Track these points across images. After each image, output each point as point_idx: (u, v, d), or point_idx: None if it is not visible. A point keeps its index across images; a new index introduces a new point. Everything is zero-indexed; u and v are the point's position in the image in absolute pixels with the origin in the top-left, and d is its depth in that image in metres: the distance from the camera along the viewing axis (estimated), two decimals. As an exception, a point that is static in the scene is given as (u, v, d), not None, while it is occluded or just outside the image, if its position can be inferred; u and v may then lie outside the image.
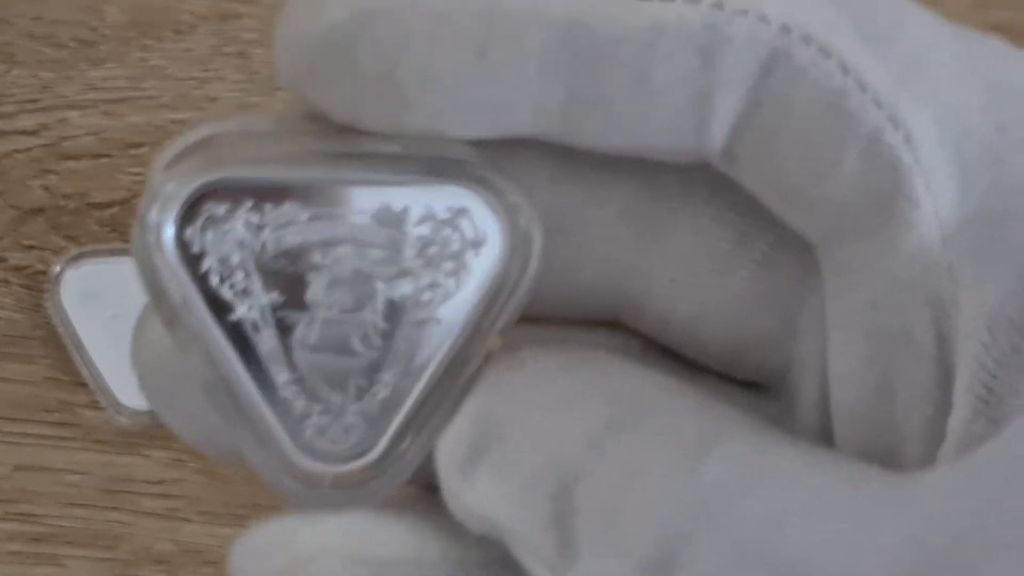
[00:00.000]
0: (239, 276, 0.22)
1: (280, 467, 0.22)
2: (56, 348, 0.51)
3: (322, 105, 0.22)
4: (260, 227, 0.22)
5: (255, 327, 0.22)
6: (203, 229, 0.22)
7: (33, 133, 0.52)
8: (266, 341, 0.22)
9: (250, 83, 0.52)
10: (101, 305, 0.51)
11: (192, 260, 0.22)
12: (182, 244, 0.22)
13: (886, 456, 0.22)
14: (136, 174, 0.52)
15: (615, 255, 0.23)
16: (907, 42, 0.21)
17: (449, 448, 0.22)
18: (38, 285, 0.51)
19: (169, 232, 0.22)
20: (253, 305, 0.22)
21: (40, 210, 0.52)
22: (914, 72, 0.21)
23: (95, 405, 0.51)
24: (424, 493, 0.24)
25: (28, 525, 0.51)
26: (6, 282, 0.52)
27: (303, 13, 0.21)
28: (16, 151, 0.52)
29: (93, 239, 0.52)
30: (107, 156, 0.52)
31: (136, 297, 0.50)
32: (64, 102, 0.52)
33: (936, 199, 0.21)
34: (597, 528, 0.20)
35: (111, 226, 0.52)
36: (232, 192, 0.22)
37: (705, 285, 0.23)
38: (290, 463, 0.22)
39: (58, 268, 0.51)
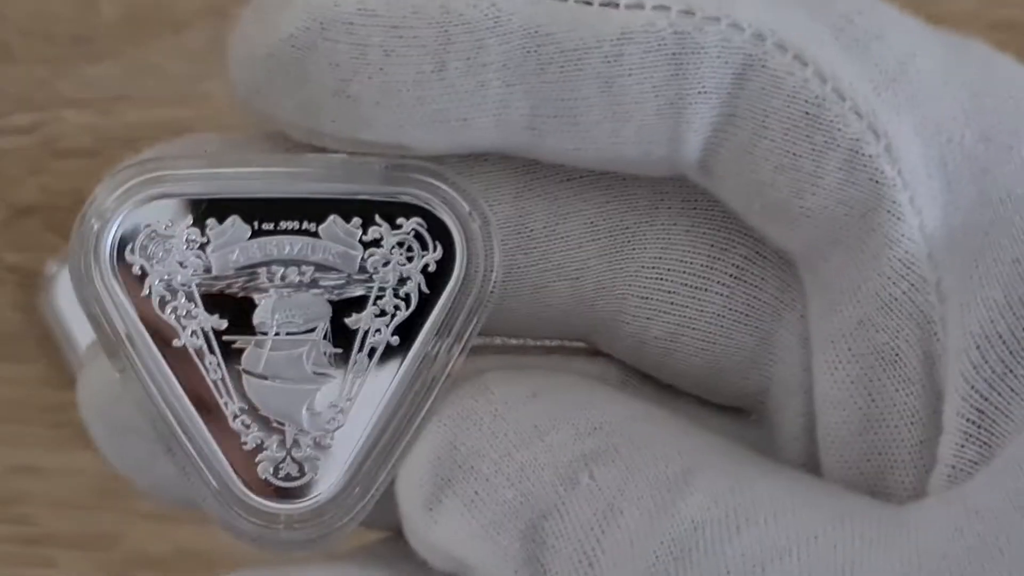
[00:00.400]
0: (181, 299, 0.21)
1: (234, 509, 0.21)
2: (50, 348, 0.51)
3: (276, 121, 0.21)
4: (203, 245, 0.21)
5: (200, 353, 0.21)
6: (143, 247, 0.21)
7: (28, 131, 0.52)
8: (212, 368, 0.21)
9: (247, 80, 0.51)
10: (96, 305, 0.51)
11: (133, 282, 0.21)
12: (123, 265, 0.21)
13: (874, 482, 0.21)
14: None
15: (584, 272, 0.22)
16: (888, 49, 0.20)
17: (410, 482, 0.21)
18: (33, 284, 0.51)
19: (108, 252, 0.21)
20: (196, 330, 0.21)
21: (35, 209, 0.51)
22: (895, 81, 0.20)
23: (90, 405, 0.51)
24: (393, 539, 0.22)
25: (22, 526, 0.51)
26: (0, 281, 0.52)
27: (256, 26, 0.20)
28: (10, 149, 0.52)
29: (88, 238, 0.51)
30: (102, 154, 0.52)
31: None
32: (59, 99, 0.51)
33: (921, 213, 0.20)
34: (571, 570, 0.19)
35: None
36: (173, 209, 0.21)
37: (679, 303, 0.22)
38: (243, 504, 0.21)
39: (53, 267, 0.51)
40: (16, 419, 0.51)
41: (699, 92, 0.20)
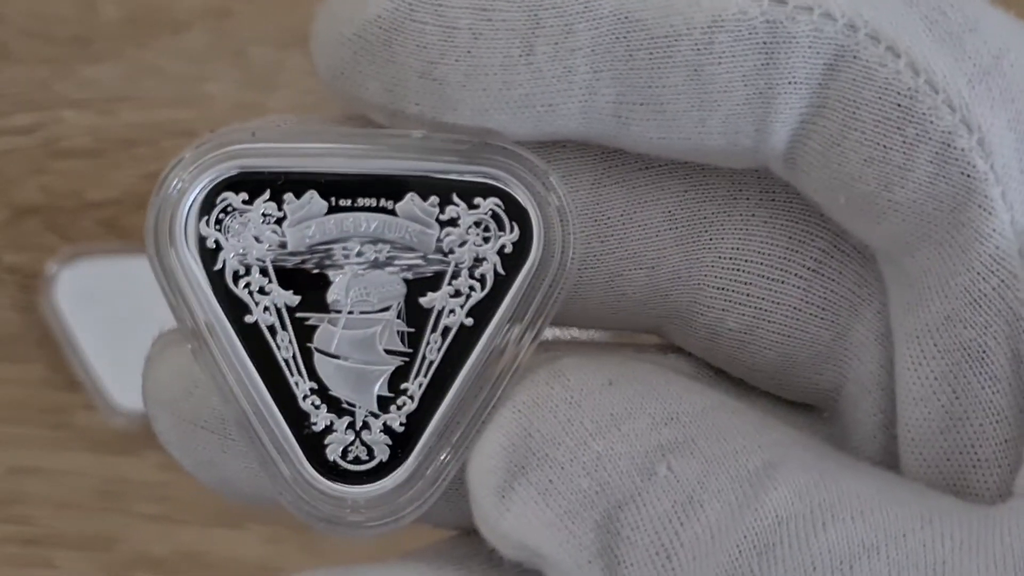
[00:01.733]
0: (256, 274, 0.20)
1: (301, 492, 0.21)
2: (51, 349, 0.51)
3: (360, 102, 0.20)
4: (279, 220, 0.20)
5: (272, 330, 0.21)
6: (219, 222, 0.20)
7: (28, 131, 0.52)
8: (284, 346, 0.21)
9: (247, 80, 0.51)
10: (97, 305, 0.51)
11: (207, 255, 0.21)
12: (198, 238, 0.20)
13: (956, 481, 0.20)
14: (132, 173, 0.52)
15: (661, 261, 0.22)
16: (982, 42, 0.20)
17: (482, 468, 0.20)
18: (33, 285, 0.51)
19: (183, 225, 0.20)
20: (269, 306, 0.20)
21: (35, 209, 0.51)
22: (989, 74, 0.20)
23: (90, 406, 0.50)
24: (463, 537, 0.22)
25: (22, 527, 0.50)
26: (0, 282, 0.51)
27: (343, 5, 0.20)
28: (10, 149, 0.52)
29: (89, 239, 0.51)
30: (102, 155, 0.52)
31: (133, 297, 0.50)
32: (59, 100, 0.51)
33: (1012, 208, 0.20)
34: (648, 562, 0.19)
35: (107, 225, 0.51)
36: (250, 183, 0.20)
37: (756, 294, 0.22)
38: (311, 486, 0.21)
39: (53, 268, 0.50)
40: (16, 420, 0.51)
41: (789, 82, 0.20)
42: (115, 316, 0.51)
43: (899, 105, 0.20)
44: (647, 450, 0.19)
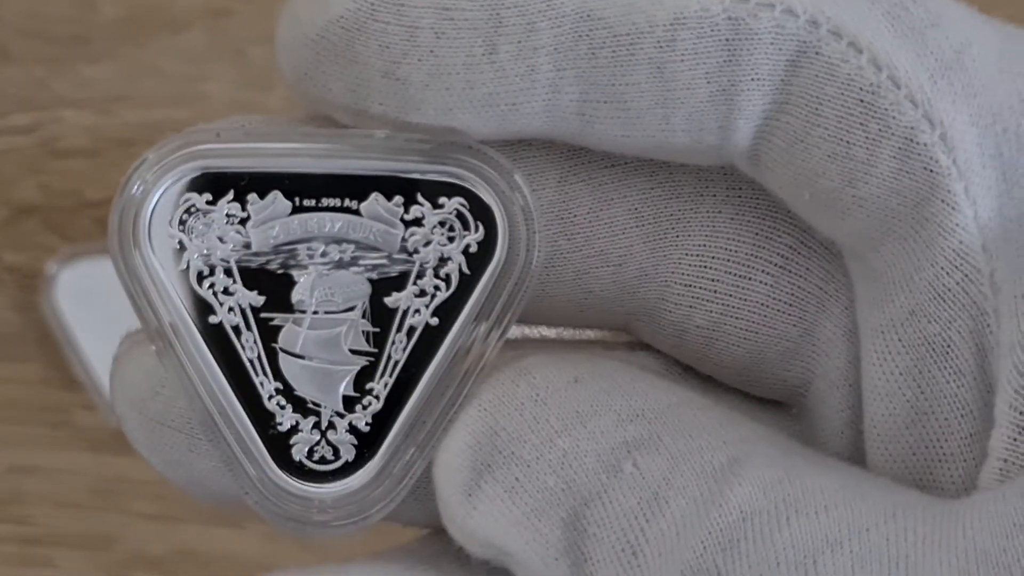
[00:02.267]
0: (220, 274, 0.20)
1: (267, 492, 0.21)
2: (50, 348, 0.50)
3: (324, 103, 0.20)
4: (243, 221, 0.20)
5: (236, 331, 0.20)
6: (182, 222, 0.20)
7: (27, 131, 0.51)
8: (249, 346, 0.21)
9: (245, 80, 0.51)
10: (96, 304, 0.51)
11: (171, 256, 0.20)
12: (161, 239, 0.20)
13: (922, 476, 0.20)
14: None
15: (628, 258, 0.22)
16: (944, 37, 0.20)
17: (449, 467, 0.20)
18: (32, 284, 0.51)
19: (146, 226, 0.20)
20: (234, 306, 0.20)
21: (34, 209, 0.51)
22: (951, 69, 0.20)
23: (89, 406, 0.50)
24: (433, 536, 0.22)
25: (21, 526, 0.50)
26: (0, 282, 0.52)
27: (306, 7, 0.20)
28: (9, 149, 0.52)
29: (88, 238, 0.51)
30: (101, 154, 0.52)
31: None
32: (58, 100, 0.51)
33: (975, 203, 0.20)
34: (614, 559, 0.19)
35: (106, 225, 0.51)
36: (214, 184, 0.20)
37: (723, 291, 0.22)
38: (277, 487, 0.21)
39: (52, 267, 0.50)
40: (16, 419, 0.51)
41: (752, 79, 0.20)
42: (115, 316, 0.50)
43: (862, 101, 0.20)
44: (613, 447, 0.19)
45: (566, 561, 0.19)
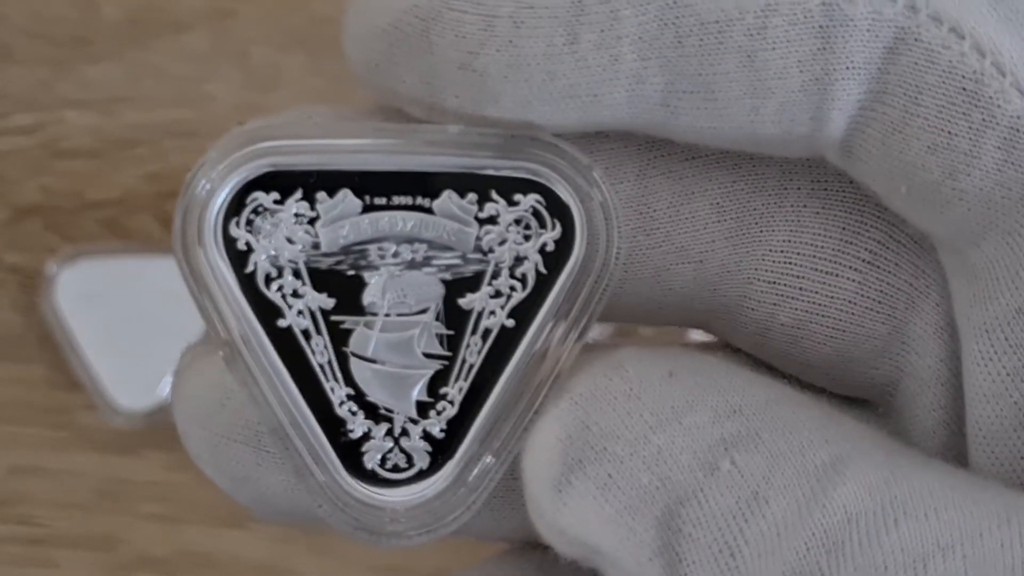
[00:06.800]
0: (288, 276, 0.19)
1: (339, 501, 0.20)
2: (52, 349, 0.50)
3: (395, 96, 0.19)
4: (312, 220, 0.19)
5: (306, 335, 0.20)
6: (249, 223, 0.19)
7: (29, 132, 0.51)
8: (319, 351, 0.20)
9: (248, 81, 0.51)
10: (97, 305, 0.51)
11: (238, 258, 0.19)
12: (227, 240, 0.19)
13: None
14: (133, 173, 0.52)
15: (709, 254, 0.21)
16: None
17: (539, 461, 0.19)
18: (33, 285, 0.50)
19: (212, 227, 0.19)
20: (303, 309, 0.19)
21: (36, 209, 0.51)
22: None
23: (91, 406, 0.50)
24: (508, 557, 0.21)
25: (24, 527, 0.50)
26: (1, 282, 0.51)
27: None
28: (11, 150, 0.52)
29: (89, 239, 0.51)
30: (103, 155, 0.51)
31: (133, 297, 0.50)
32: (60, 100, 0.51)
33: None
34: (711, 560, 0.18)
35: (107, 225, 0.51)
36: (281, 182, 0.19)
37: (809, 288, 0.21)
38: (349, 496, 0.20)
39: (54, 268, 0.50)
40: (17, 420, 0.50)
41: (847, 67, 0.19)
42: (115, 316, 0.51)
43: (964, 89, 0.19)
44: (709, 444, 0.18)
45: (660, 561, 0.18)
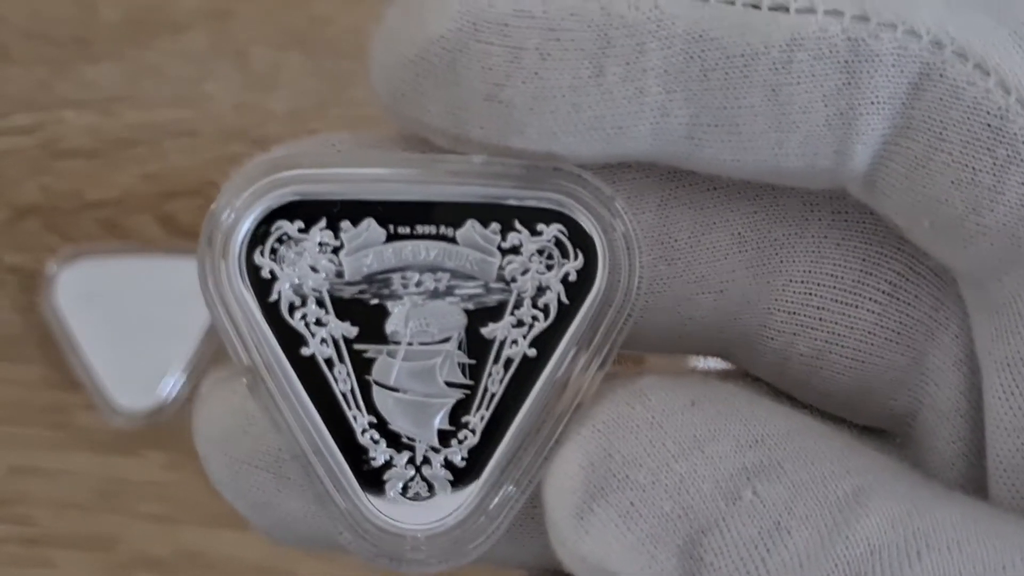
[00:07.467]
0: (312, 305, 0.19)
1: (360, 528, 0.20)
2: (51, 349, 0.50)
3: (421, 125, 0.19)
4: (336, 249, 0.19)
5: (329, 363, 0.20)
6: (273, 251, 0.19)
7: (28, 132, 0.51)
8: (341, 379, 0.20)
9: (246, 81, 0.51)
10: (97, 305, 0.51)
11: (262, 286, 0.19)
12: (251, 268, 0.19)
13: None
14: (132, 173, 0.52)
15: (730, 284, 0.21)
16: None
17: (561, 488, 0.19)
18: (33, 285, 0.50)
19: (237, 255, 0.19)
20: (327, 338, 0.19)
21: (35, 209, 0.51)
22: None
23: (90, 406, 0.50)
24: None
25: (23, 527, 0.50)
26: (1, 282, 0.50)
27: (403, 24, 0.19)
28: (11, 150, 0.52)
29: (89, 239, 0.51)
30: (102, 155, 0.51)
31: (133, 297, 0.50)
32: (60, 100, 0.50)
33: None
34: None
35: (107, 225, 0.51)
36: (306, 211, 0.19)
37: (828, 319, 0.21)
38: (370, 523, 0.20)
39: (53, 268, 0.50)
40: (16, 420, 0.50)
41: (872, 102, 0.19)
42: (115, 316, 0.51)
43: (989, 125, 0.18)
44: (731, 473, 0.18)
45: None
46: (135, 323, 0.50)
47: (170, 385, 0.50)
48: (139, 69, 0.51)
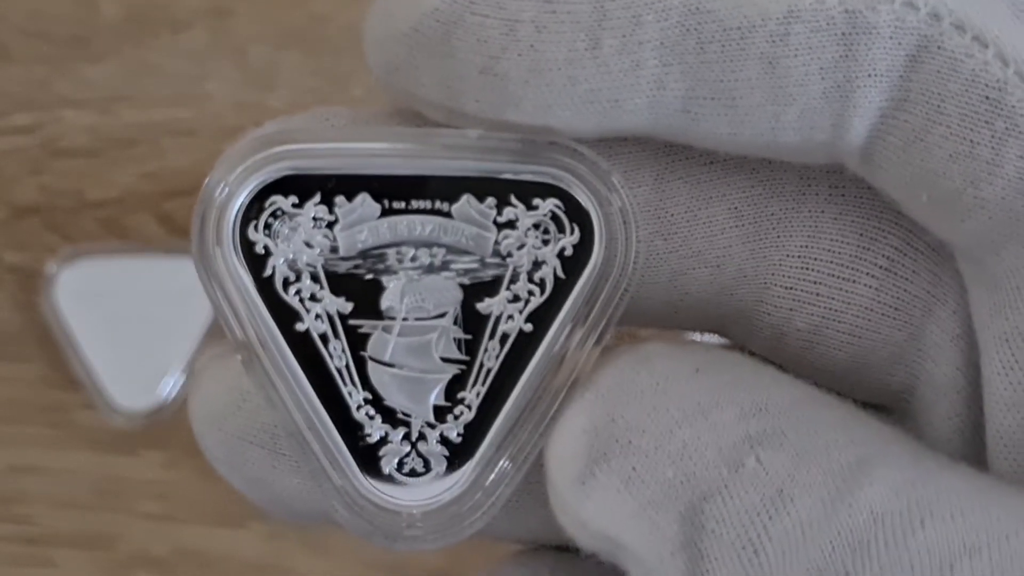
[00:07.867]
0: (307, 280, 0.19)
1: (356, 505, 0.20)
2: (51, 348, 0.50)
3: (415, 99, 0.19)
4: (330, 224, 0.19)
5: (324, 339, 0.19)
6: (267, 226, 0.19)
7: (28, 131, 0.51)
8: (336, 355, 0.20)
9: (246, 80, 0.51)
10: (97, 305, 0.51)
11: (256, 262, 0.19)
12: (245, 244, 0.19)
13: None
14: (132, 172, 0.52)
15: (726, 259, 0.20)
16: None
17: (563, 453, 0.19)
18: (33, 284, 0.50)
19: (231, 230, 0.19)
20: (321, 313, 0.19)
21: (35, 208, 0.51)
22: None
23: (90, 405, 0.50)
24: (523, 556, 0.21)
25: (22, 526, 0.50)
26: (1, 282, 0.50)
27: None
28: (10, 149, 0.52)
29: (88, 238, 0.51)
30: (102, 154, 0.51)
31: (133, 297, 0.50)
32: (59, 99, 0.50)
33: None
34: (734, 557, 0.18)
35: (107, 225, 0.51)
36: (300, 186, 0.19)
37: (825, 294, 0.21)
38: (366, 500, 0.20)
39: (53, 267, 0.50)
40: (16, 419, 0.50)
41: (869, 75, 0.18)
42: (115, 316, 0.51)
43: (987, 98, 0.18)
44: (735, 441, 0.18)
45: (682, 556, 0.18)
46: (135, 323, 0.50)
47: (170, 385, 0.50)
48: (138, 68, 0.51)
